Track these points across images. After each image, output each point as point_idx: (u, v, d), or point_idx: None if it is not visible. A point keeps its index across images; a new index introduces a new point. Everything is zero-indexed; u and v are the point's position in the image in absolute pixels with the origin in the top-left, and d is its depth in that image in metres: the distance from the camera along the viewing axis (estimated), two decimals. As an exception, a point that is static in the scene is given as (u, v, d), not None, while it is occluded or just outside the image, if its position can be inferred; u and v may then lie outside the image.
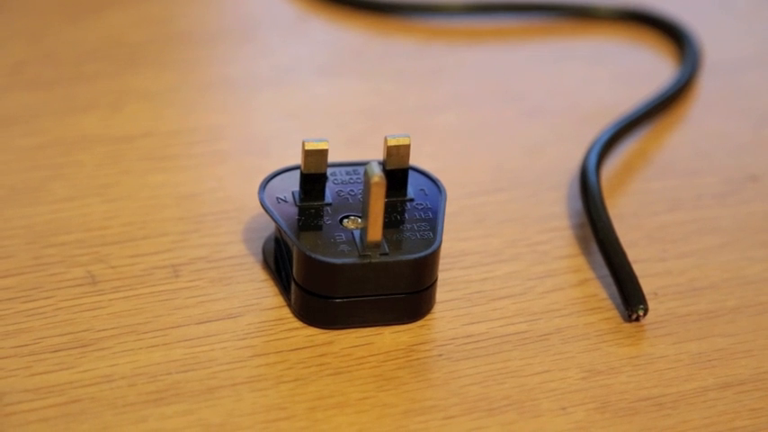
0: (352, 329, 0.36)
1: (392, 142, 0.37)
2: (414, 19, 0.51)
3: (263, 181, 0.37)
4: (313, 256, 0.35)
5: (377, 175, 0.34)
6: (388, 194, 0.35)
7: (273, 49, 0.49)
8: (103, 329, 0.35)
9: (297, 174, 0.37)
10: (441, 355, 0.35)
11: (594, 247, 0.39)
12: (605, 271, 0.38)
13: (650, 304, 0.37)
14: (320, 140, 0.37)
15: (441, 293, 0.37)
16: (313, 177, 0.37)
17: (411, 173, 0.38)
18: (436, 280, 0.36)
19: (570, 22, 0.51)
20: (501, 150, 0.44)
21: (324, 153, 0.37)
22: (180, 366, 0.34)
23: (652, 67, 0.49)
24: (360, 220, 0.36)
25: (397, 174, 0.37)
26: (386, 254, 0.35)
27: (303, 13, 0.51)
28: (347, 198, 0.37)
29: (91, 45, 0.48)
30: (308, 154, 0.37)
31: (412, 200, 0.37)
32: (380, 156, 0.37)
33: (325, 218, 0.36)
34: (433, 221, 0.36)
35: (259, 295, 0.37)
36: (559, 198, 0.42)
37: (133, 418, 0.33)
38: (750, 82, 0.49)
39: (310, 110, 0.46)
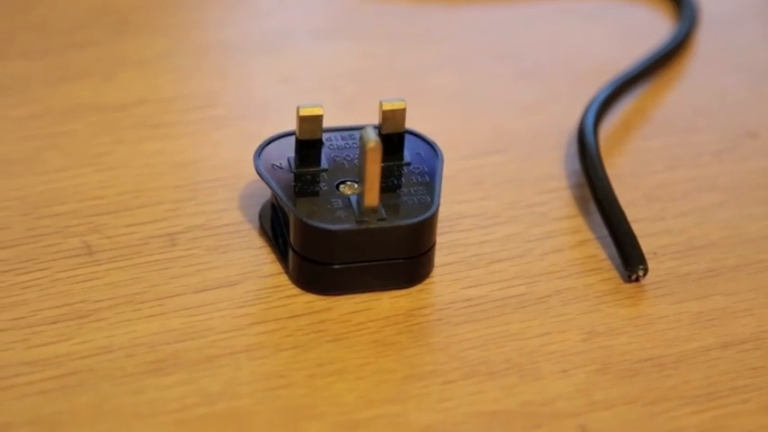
0: (350, 295, 0.36)
1: (387, 107, 0.37)
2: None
3: (259, 148, 0.37)
4: (310, 222, 0.35)
5: (372, 139, 0.34)
6: (384, 159, 0.35)
7: (266, 13, 0.49)
8: (100, 300, 0.35)
9: (292, 140, 0.37)
10: (440, 320, 0.35)
11: (593, 208, 0.39)
12: (604, 231, 0.38)
13: (650, 264, 0.37)
14: (315, 106, 0.36)
15: (439, 257, 0.37)
16: (308, 143, 0.37)
17: (407, 136, 0.37)
18: (434, 244, 0.36)
19: (565, -20, 0.50)
20: (497, 111, 0.44)
21: (319, 119, 0.36)
22: (178, 336, 0.34)
23: (649, 24, 0.49)
24: (356, 185, 0.36)
25: (393, 138, 0.37)
26: (383, 219, 0.35)
27: (295, -25, 0.50)
28: (343, 163, 0.37)
29: (81, 13, 0.47)
30: (302, 120, 0.36)
31: (408, 164, 0.37)
32: (376, 119, 0.37)
33: (322, 184, 0.36)
34: (430, 185, 0.36)
35: (256, 262, 0.36)
36: (557, 158, 0.41)
37: (132, 388, 0.33)
38: (748, 37, 0.48)
39: (305, 74, 0.45)
